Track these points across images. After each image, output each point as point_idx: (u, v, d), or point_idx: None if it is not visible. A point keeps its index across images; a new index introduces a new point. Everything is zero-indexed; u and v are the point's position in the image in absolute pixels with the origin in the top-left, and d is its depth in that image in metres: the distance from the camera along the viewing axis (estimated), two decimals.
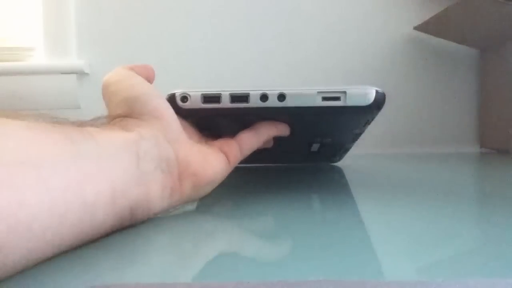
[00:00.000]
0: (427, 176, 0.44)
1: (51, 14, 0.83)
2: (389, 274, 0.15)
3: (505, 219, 0.23)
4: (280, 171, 0.46)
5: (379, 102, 0.29)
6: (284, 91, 0.29)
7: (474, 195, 0.34)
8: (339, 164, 0.50)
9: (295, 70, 0.82)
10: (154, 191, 0.22)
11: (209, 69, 0.82)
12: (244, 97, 0.29)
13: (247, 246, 0.19)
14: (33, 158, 0.16)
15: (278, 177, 0.43)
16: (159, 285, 0.13)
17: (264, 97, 0.29)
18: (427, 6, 0.79)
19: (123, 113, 0.24)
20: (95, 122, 0.23)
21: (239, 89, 0.29)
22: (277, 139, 0.34)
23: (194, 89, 0.29)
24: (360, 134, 0.38)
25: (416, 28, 0.76)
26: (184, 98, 0.29)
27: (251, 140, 0.30)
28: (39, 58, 0.85)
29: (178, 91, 0.29)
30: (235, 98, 0.29)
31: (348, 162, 0.50)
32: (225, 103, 0.29)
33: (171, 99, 0.28)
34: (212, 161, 0.26)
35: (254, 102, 0.29)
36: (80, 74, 0.83)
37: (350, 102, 0.29)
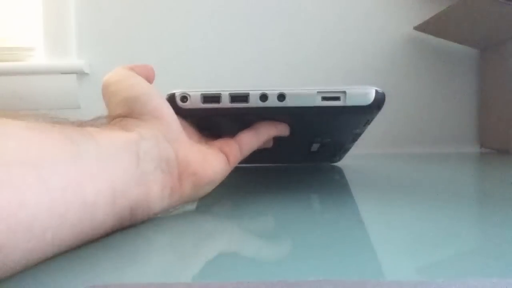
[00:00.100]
0: (427, 176, 0.44)
1: (51, 14, 0.83)
2: (389, 274, 0.15)
3: (505, 219, 0.23)
4: (280, 171, 0.46)
5: (379, 102, 0.29)
6: (284, 91, 0.29)
7: (474, 195, 0.34)
8: (339, 164, 0.50)
9: (295, 70, 0.82)
10: (154, 191, 0.22)
11: (209, 69, 0.82)
12: (244, 97, 0.29)
13: (247, 246, 0.19)
14: (33, 158, 0.16)
15: (278, 177, 0.43)
16: (159, 285, 0.13)
17: (264, 97, 0.29)
18: (427, 6, 0.79)
19: (123, 113, 0.24)
20: (95, 122, 0.23)
21: (239, 89, 0.29)
22: (277, 139, 0.34)
23: (194, 89, 0.29)
24: (360, 134, 0.38)
25: (416, 28, 0.76)
26: (184, 98, 0.29)
27: (251, 140, 0.30)
28: (39, 58, 0.85)
29: (178, 91, 0.29)
30: (235, 98, 0.29)
31: (348, 162, 0.50)
32: (225, 103, 0.29)
33: (171, 99, 0.28)
34: (212, 161, 0.26)
35: (254, 102, 0.29)
36: (80, 74, 0.83)
37: (350, 102, 0.29)
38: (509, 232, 0.20)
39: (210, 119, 0.30)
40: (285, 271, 0.15)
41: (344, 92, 0.29)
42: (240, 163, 0.30)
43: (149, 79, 0.27)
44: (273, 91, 0.29)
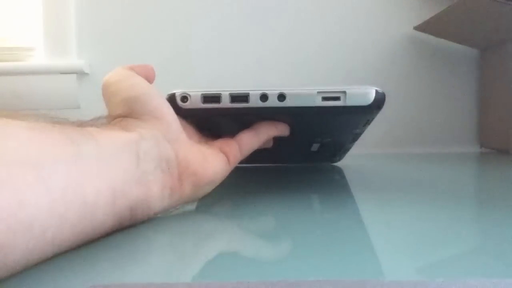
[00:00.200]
0: (427, 176, 0.44)
1: (51, 14, 0.83)
2: (389, 274, 0.15)
3: (505, 219, 0.23)
4: (280, 171, 0.46)
5: (379, 102, 0.29)
6: (284, 91, 0.29)
7: (474, 195, 0.34)
8: (339, 164, 0.50)
9: (295, 70, 0.82)
10: (154, 191, 0.22)
11: (209, 69, 0.82)
12: (244, 97, 0.29)
13: (247, 246, 0.19)
14: (33, 158, 0.16)
15: (278, 177, 0.43)
16: (159, 285, 0.13)
17: (264, 97, 0.29)
18: (427, 6, 0.78)
19: (123, 113, 0.24)
20: (95, 122, 0.23)
21: (239, 89, 0.29)
22: (277, 139, 0.34)
23: (194, 89, 0.29)
24: (360, 134, 0.38)
25: (416, 28, 0.76)
26: (184, 98, 0.29)
27: (251, 140, 0.30)
28: (39, 58, 0.85)
29: (178, 91, 0.29)
30: (235, 98, 0.29)
31: (348, 162, 0.50)
32: (225, 103, 0.29)
33: (171, 99, 0.28)
34: (212, 161, 0.26)
35: (254, 102, 0.29)
36: (80, 74, 0.83)
37: (350, 102, 0.29)
38: (509, 232, 0.20)
39: (210, 119, 0.30)
40: (285, 271, 0.15)
41: (344, 92, 0.29)
42: (240, 163, 0.30)
43: (149, 79, 0.27)
44: (273, 91, 0.29)
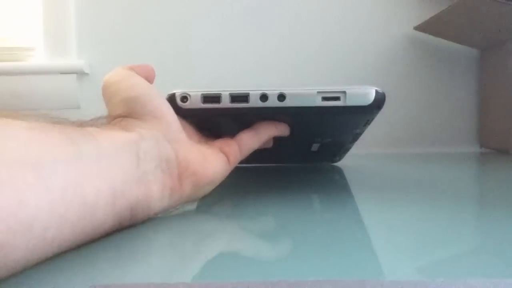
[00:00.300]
0: (427, 176, 0.44)
1: (51, 14, 0.83)
2: (389, 274, 0.15)
3: (505, 219, 0.23)
4: (280, 171, 0.46)
5: (379, 102, 0.29)
6: (284, 91, 0.29)
7: (474, 195, 0.34)
8: (339, 164, 0.50)
9: (295, 70, 0.82)
10: (154, 191, 0.22)
11: (209, 69, 0.82)
12: (244, 97, 0.29)
13: (247, 246, 0.19)
14: (33, 158, 0.16)
15: (278, 177, 0.43)
16: (159, 285, 0.13)
17: (264, 97, 0.29)
18: (427, 6, 0.78)
19: (123, 113, 0.24)
20: (95, 122, 0.23)
21: (239, 89, 0.29)
22: (277, 139, 0.34)
23: (194, 89, 0.29)
24: (360, 134, 0.38)
25: (416, 28, 0.76)
26: (184, 98, 0.29)
27: (251, 140, 0.30)
28: (39, 58, 0.85)
29: (178, 91, 0.29)
30: (235, 98, 0.29)
31: (348, 162, 0.50)
32: (225, 103, 0.29)
33: (171, 99, 0.28)
34: (212, 161, 0.26)
35: (254, 102, 0.29)
36: (80, 74, 0.83)
37: (350, 102, 0.29)
38: (509, 232, 0.20)
39: (210, 119, 0.30)
40: (285, 271, 0.15)
41: (344, 92, 0.29)
42: (240, 163, 0.30)
43: (149, 79, 0.27)
44: (273, 91, 0.29)
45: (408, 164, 0.58)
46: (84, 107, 0.82)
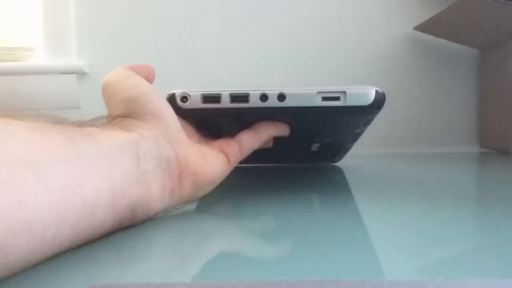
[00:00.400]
0: (427, 176, 0.44)
1: (51, 14, 0.83)
2: (389, 274, 0.15)
3: (505, 219, 0.23)
4: (280, 171, 0.46)
5: (379, 102, 0.29)
6: (284, 91, 0.29)
7: (474, 195, 0.34)
8: (339, 164, 0.50)
9: (295, 70, 0.82)
10: (154, 191, 0.22)
11: (209, 69, 0.82)
12: (244, 97, 0.29)
13: (247, 246, 0.19)
14: (33, 158, 0.16)
15: (278, 177, 0.43)
16: (159, 285, 0.13)
17: (264, 97, 0.29)
18: (427, 6, 0.78)
19: (123, 113, 0.24)
20: (95, 122, 0.23)
21: (239, 89, 0.29)
22: (277, 139, 0.34)
23: (194, 89, 0.29)
24: (360, 134, 0.38)
25: (416, 28, 0.76)
26: (184, 98, 0.29)
27: (251, 140, 0.30)
28: (39, 58, 0.85)
29: (178, 91, 0.29)
30: (235, 98, 0.29)
31: (348, 162, 0.50)
32: (225, 103, 0.29)
33: (171, 99, 0.28)
34: (212, 161, 0.26)
35: (254, 102, 0.29)
36: (80, 74, 0.83)
37: (350, 102, 0.29)
38: (509, 232, 0.20)
39: (210, 119, 0.30)
40: (285, 271, 0.15)
41: (344, 92, 0.29)
42: (240, 163, 0.30)
43: (149, 79, 0.27)
44: (273, 91, 0.29)
45: (408, 164, 0.58)
46: (84, 107, 0.82)
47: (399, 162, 0.61)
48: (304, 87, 0.29)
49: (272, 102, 0.29)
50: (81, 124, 0.22)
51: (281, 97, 0.29)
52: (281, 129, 0.32)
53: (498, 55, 0.72)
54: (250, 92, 0.29)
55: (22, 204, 0.14)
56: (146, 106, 0.24)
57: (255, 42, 0.82)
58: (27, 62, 0.86)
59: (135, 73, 0.26)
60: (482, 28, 0.68)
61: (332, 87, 0.29)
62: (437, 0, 0.76)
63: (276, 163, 0.50)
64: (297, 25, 0.82)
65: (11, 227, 0.14)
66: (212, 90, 0.29)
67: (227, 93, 0.29)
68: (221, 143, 0.29)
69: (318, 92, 0.29)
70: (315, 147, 0.41)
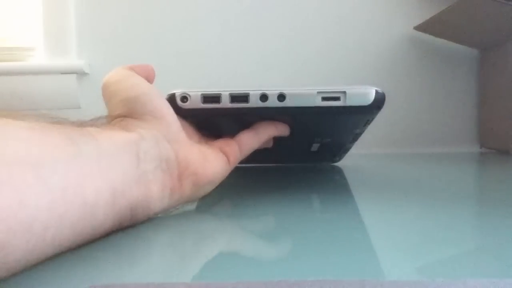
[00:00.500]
0: (427, 176, 0.44)
1: (51, 14, 0.83)
2: (389, 274, 0.15)
3: (505, 219, 0.23)
4: (280, 171, 0.46)
5: (379, 102, 0.29)
6: (284, 91, 0.29)
7: (474, 195, 0.34)
8: (339, 164, 0.50)
9: (295, 70, 0.82)
10: (154, 191, 0.22)
11: (209, 69, 0.82)
12: (244, 97, 0.29)
13: (247, 246, 0.19)
14: (33, 158, 0.16)
15: (278, 177, 0.43)
16: (159, 285, 0.13)
17: (264, 97, 0.29)
18: (427, 6, 0.78)
19: (123, 113, 0.24)
20: (95, 122, 0.23)
21: (239, 89, 0.29)
22: (277, 139, 0.34)
23: (194, 89, 0.29)
24: (360, 134, 0.38)
25: (416, 28, 0.76)
26: (184, 98, 0.29)
27: (251, 140, 0.30)
28: (39, 58, 0.85)
29: (178, 91, 0.29)
30: (235, 98, 0.29)
31: (348, 162, 0.50)
32: (225, 103, 0.29)
33: (171, 99, 0.28)
34: (212, 161, 0.26)
35: (254, 102, 0.29)
36: (80, 74, 0.83)
37: (350, 102, 0.29)
38: (509, 232, 0.20)
39: (210, 119, 0.30)
40: (285, 271, 0.15)
41: (344, 92, 0.29)
42: (240, 163, 0.30)
43: (149, 79, 0.27)
44: (273, 91, 0.29)
45: (408, 164, 0.58)
46: (84, 107, 0.82)
47: (399, 162, 0.61)
48: (304, 87, 0.29)
49: (272, 102, 0.29)
50: (81, 124, 0.22)
51: (281, 97, 0.29)
52: (281, 129, 0.32)
53: (498, 55, 0.72)
54: (250, 92, 0.29)
55: (22, 204, 0.14)
56: (146, 106, 0.24)
57: (255, 42, 0.82)
58: (27, 62, 0.86)
59: (135, 73, 0.26)
60: (482, 28, 0.68)
61: (332, 87, 0.29)
62: (437, 0, 0.76)
63: (276, 163, 0.50)
64: (297, 25, 0.82)
65: (11, 227, 0.14)
66: (212, 90, 0.29)
67: (227, 93, 0.29)
68: (221, 143, 0.29)
69: (318, 92, 0.29)
70: (315, 147, 0.41)
